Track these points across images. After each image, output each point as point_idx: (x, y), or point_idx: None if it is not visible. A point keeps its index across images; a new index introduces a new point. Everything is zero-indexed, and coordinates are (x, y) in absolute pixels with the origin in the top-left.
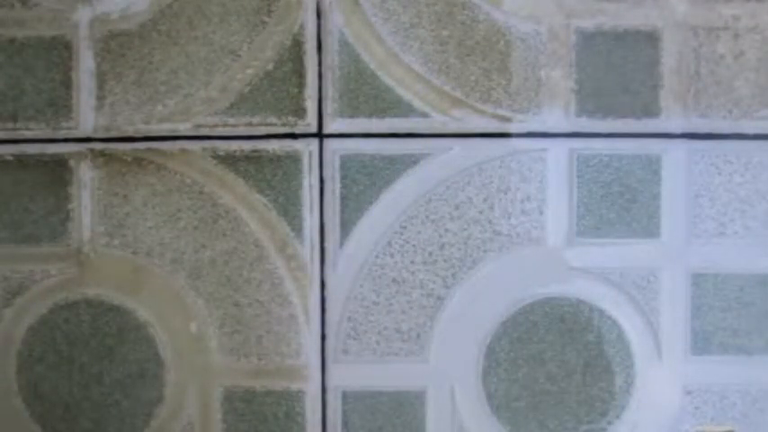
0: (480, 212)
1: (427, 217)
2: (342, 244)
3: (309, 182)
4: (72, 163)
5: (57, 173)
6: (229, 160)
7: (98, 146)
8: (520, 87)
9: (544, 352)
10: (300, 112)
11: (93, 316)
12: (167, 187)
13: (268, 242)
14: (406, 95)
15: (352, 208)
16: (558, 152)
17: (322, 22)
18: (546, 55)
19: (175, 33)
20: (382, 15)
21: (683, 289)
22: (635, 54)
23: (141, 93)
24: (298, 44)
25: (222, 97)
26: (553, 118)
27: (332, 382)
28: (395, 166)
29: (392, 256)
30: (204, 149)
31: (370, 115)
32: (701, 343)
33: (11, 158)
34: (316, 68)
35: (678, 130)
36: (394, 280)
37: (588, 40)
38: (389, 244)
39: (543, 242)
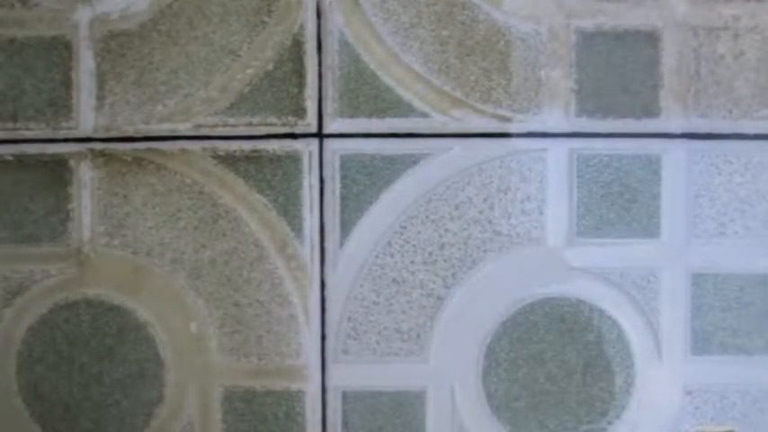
0: (480, 212)
1: (427, 217)
2: (342, 244)
3: (309, 182)
4: (72, 163)
5: (57, 173)
6: (229, 160)
7: (98, 146)
8: (520, 87)
9: (544, 352)
10: (300, 112)
11: (93, 316)
12: (167, 187)
13: (268, 242)
14: (406, 95)
15: (352, 208)
16: (558, 152)
17: (322, 22)
18: (546, 55)
19: (175, 33)
20: (382, 15)
21: (683, 289)
22: (635, 54)
23: (141, 93)
24: (298, 44)
25: (222, 97)
26: (553, 118)
27: (332, 382)
28: (395, 166)
29: (392, 256)
30: (204, 149)
31: (370, 115)
32: (701, 343)
33: (11, 158)
34: (316, 68)
35: (678, 130)
36: (394, 280)
37: (588, 40)
38: (389, 244)
39: (543, 242)
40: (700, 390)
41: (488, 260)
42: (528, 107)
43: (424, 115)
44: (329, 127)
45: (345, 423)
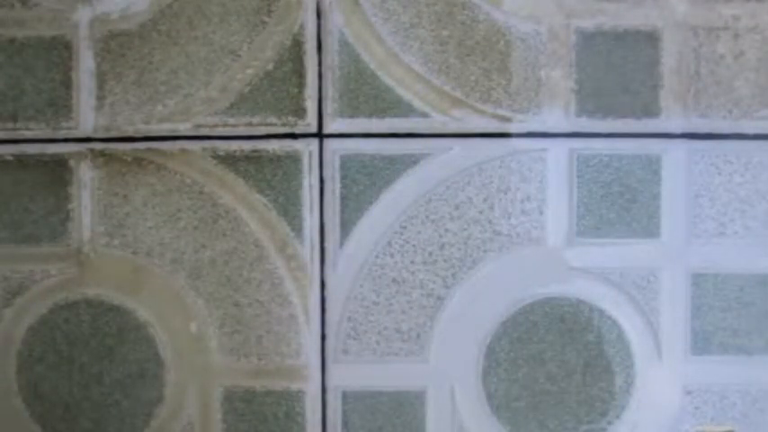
0: (480, 212)
1: (427, 217)
2: (342, 244)
3: (309, 182)
4: (72, 163)
5: (57, 173)
6: (229, 160)
7: (98, 146)
8: (520, 87)
9: (544, 352)
10: (300, 112)
11: (93, 316)
12: (167, 187)
13: (268, 242)
14: (406, 95)
15: (352, 208)
16: (558, 152)
17: (322, 22)
18: (546, 55)
19: (175, 33)
20: (382, 15)
21: (683, 289)
22: (635, 54)
23: (141, 93)
24: (298, 44)
25: (222, 97)
26: (553, 118)
27: (332, 382)
28: (395, 166)
29: (392, 256)
30: (204, 149)
31: (370, 115)
32: (701, 343)
33: (11, 158)
34: (316, 68)
35: (678, 130)
36: (394, 280)
37: (588, 40)
38: (389, 244)
39: (543, 242)
40: (700, 390)
41: (488, 260)
42: (528, 107)
43: (424, 115)
44: (329, 127)
45: (345, 423)
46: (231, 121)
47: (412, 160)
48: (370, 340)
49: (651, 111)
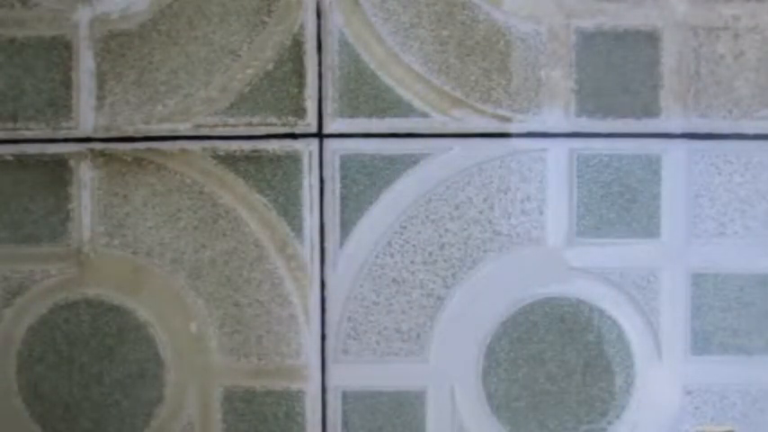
0: (480, 212)
1: (427, 217)
2: (342, 244)
3: (309, 182)
4: (72, 163)
5: (57, 173)
6: (229, 160)
7: (98, 146)
8: (520, 87)
9: (544, 352)
10: (300, 112)
11: (93, 316)
12: (167, 187)
13: (268, 242)
14: (406, 95)
15: (352, 208)
16: (558, 152)
17: (322, 22)
18: (546, 55)
19: (175, 33)
20: (382, 15)
21: (683, 289)
22: (635, 54)
23: (141, 93)
24: (298, 44)
25: (222, 97)
26: (553, 118)
27: (332, 382)
28: (395, 166)
29: (392, 256)
30: (204, 149)
31: (370, 115)
32: (701, 343)
33: (11, 158)
34: (316, 68)
35: (678, 130)
36: (394, 280)
37: (588, 40)
38: (389, 244)
39: (543, 242)
40: (700, 390)
41: (488, 260)
42: (528, 107)
43: (424, 115)
44: (329, 127)
45: (345, 423)
46: (231, 121)
47: (412, 160)
48: (370, 340)
49: (651, 111)
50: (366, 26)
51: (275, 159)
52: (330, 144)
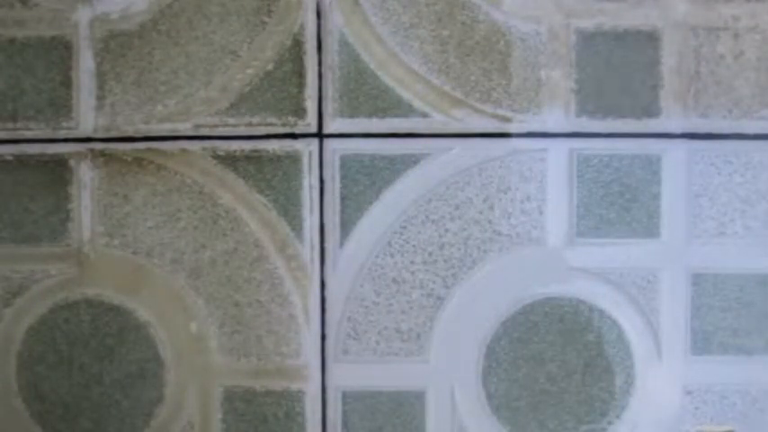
0: (480, 212)
1: (427, 217)
2: (342, 244)
3: (309, 182)
4: (72, 163)
5: (57, 173)
6: (229, 160)
7: (98, 146)
8: (520, 87)
9: (544, 352)
10: (300, 112)
11: (93, 316)
12: (167, 187)
13: (268, 242)
14: (406, 95)
15: (353, 208)
16: (558, 152)
17: (322, 22)
18: (546, 55)
19: (175, 33)
20: (382, 15)
21: (683, 289)
22: (635, 54)
23: (141, 93)
24: (298, 44)
25: (222, 97)
26: (553, 118)
27: (332, 382)
28: (395, 166)
29: (392, 256)
30: (204, 149)
31: (370, 115)
32: (701, 343)
33: (11, 158)
34: (316, 68)
35: (678, 130)
36: (394, 280)
37: (588, 40)
38: (389, 244)
39: (543, 242)
40: (700, 390)
41: (488, 260)
42: (528, 107)
43: (424, 115)
44: (329, 127)
45: (345, 423)
46: (231, 121)
47: (412, 160)
48: (370, 340)
49: (651, 111)
50: (366, 26)
51: (275, 159)
52: (330, 144)
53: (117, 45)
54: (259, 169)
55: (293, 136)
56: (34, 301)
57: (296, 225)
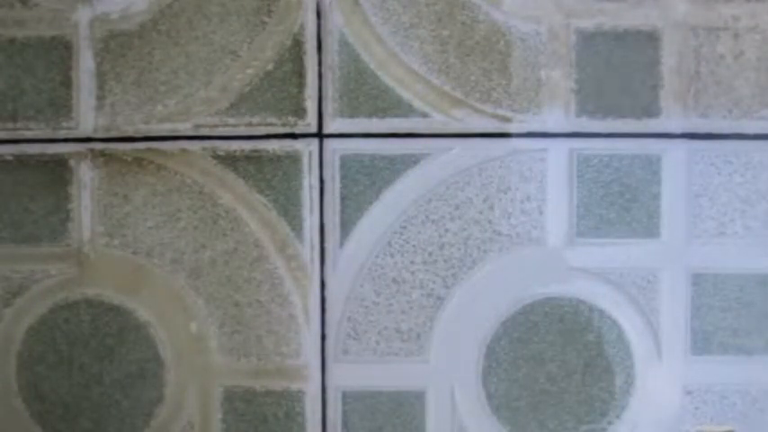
0: (480, 212)
1: (427, 217)
2: (342, 244)
3: (309, 182)
4: (72, 163)
5: (57, 173)
6: (229, 160)
7: (98, 146)
8: (520, 87)
9: (544, 352)
10: (300, 112)
11: (93, 316)
12: (167, 187)
13: (268, 242)
14: (406, 95)
15: (353, 208)
16: (558, 152)
17: (322, 22)
18: (546, 55)
19: (175, 33)
20: (382, 15)
21: (683, 289)
22: (635, 54)
23: (141, 93)
24: (298, 44)
25: (222, 97)
26: (553, 118)
27: (332, 382)
28: (395, 166)
29: (392, 256)
30: (204, 149)
31: (370, 115)
32: (701, 343)
33: (11, 158)
34: (316, 68)
35: (678, 130)
36: (394, 280)
37: (588, 40)
38: (389, 244)
39: (543, 242)
40: (700, 390)
41: (488, 260)
42: (528, 107)
43: (424, 115)
44: (329, 127)
45: (345, 423)
46: (231, 121)
47: (412, 160)
48: (370, 340)
49: (651, 111)
50: (366, 26)
51: (275, 159)
52: (330, 144)
53: (117, 45)
54: (259, 169)
55: (293, 136)
56: (34, 301)
57: (296, 225)
